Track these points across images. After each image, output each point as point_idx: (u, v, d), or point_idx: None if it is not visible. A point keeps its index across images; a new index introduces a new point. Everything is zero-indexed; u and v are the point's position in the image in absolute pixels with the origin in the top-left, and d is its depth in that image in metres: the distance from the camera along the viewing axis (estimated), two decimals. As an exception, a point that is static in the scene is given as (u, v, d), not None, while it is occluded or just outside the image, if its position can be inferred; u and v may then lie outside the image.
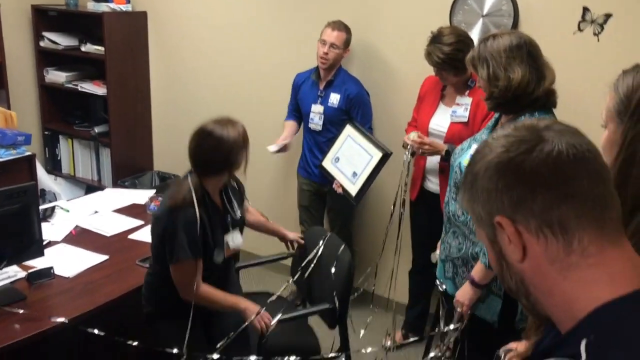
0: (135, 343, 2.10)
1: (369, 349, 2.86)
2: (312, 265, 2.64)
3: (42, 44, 4.39)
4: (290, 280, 2.73)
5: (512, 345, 1.64)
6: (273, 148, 3.35)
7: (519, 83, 1.94)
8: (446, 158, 2.72)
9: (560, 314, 0.83)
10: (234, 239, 2.35)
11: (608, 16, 2.75)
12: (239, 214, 2.40)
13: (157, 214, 2.30)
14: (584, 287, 0.80)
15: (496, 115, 2.20)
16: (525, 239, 0.81)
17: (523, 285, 0.86)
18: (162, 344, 2.15)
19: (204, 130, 2.19)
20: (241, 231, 2.42)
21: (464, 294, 2.15)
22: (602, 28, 2.77)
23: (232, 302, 2.32)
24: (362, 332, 3.13)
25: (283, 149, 3.40)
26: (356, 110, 3.28)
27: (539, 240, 0.81)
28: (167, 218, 2.19)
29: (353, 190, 3.08)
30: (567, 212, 0.79)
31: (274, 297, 2.49)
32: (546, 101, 2.00)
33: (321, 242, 2.67)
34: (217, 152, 2.18)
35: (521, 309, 2.11)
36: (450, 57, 2.68)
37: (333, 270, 2.55)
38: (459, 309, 2.18)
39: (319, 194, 3.52)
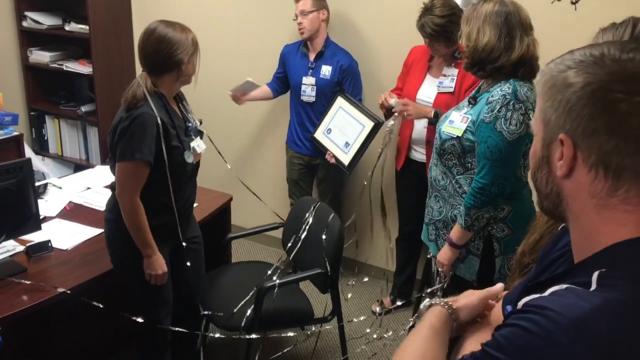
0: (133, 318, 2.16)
1: (362, 318, 2.98)
2: (304, 233, 2.73)
3: (24, 23, 4.36)
4: (290, 256, 2.81)
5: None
6: (230, 92, 3.41)
7: (484, 47, 2.06)
8: (434, 122, 2.77)
9: (581, 240, 0.87)
10: (199, 145, 2.36)
11: (585, -15, 2.83)
12: (197, 120, 2.42)
13: (115, 117, 2.25)
14: (611, 224, 0.82)
15: (480, 85, 2.30)
16: (577, 165, 0.83)
17: (558, 197, 0.88)
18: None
19: (149, 28, 2.24)
20: (201, 138, 2.43)
21: (444, 254, 2.27)
22: (580, -3, 2.86)
23: (148, 242, 2.24)
24: (349, 295, 3.25)
25: (252, 87, 3.42)
26: (348, 82, 3.34)
27: (589, 173, 0.82)
28: (123, 117, 2.16)
29: (346, 159, 3.17)
30: (630, 164, 0.80)
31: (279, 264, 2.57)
32: (512, 71, 2.08)
33: (312, 207, 2.75)
34: (162, 48, 2.18)
35: (499, 268, 2.22)
36: (444, 28, 2.75)
37: (324, 237, 2.65)
38: (440, 269, 2.30)
39: (309, 166, 3.59)
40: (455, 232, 2.22)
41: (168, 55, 2.19)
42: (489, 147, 2.07)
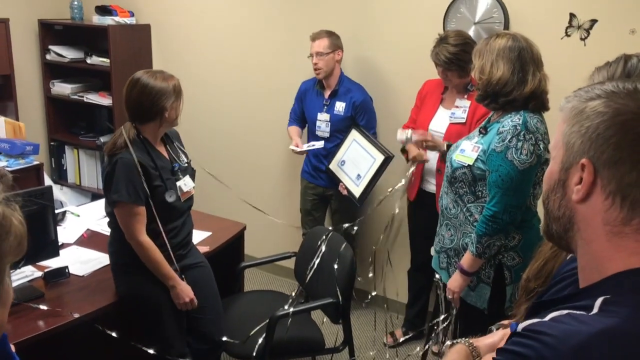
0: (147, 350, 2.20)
1: (371, 353, 2.98)
2: (316, 262, 2.75)
3: (48, 57, 4.51)
4: (303, 284, 2.83)
5: (505, 322, 1.75)
6: (297, 149, 3.44)
7: (498, 80, 2.12)
8: (445, 154, 2.83)
9: (589, 265, 0.86)
10: (187, 183, 2.47)
11: (594, 22, 2.89)
12: (185, 159, 2.53)
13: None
14: (622, 252, 0.82)
15: (490, 116, 2.35)
16: (595, 191, 0.83)
17: (569, 221, 0.88)
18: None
19: (133, 78, 2.35)
20: (192, 178, 2.54)
21: (454, 282, 2.29)
22: (589, 33, 2.91)
23: (167, 274, 2.38)
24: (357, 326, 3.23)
25: (303, 152, 3.49)
26: (361, 116, 3.40)
27: (605, 200, 0.83)
28: (106, 164, 2.33)
29: (357, 192, 3.22)
30: None
31: (293, 295, 2.60)
32: (523, 104, 2.14)
33: (324, 236, 2.78)
34: (144, 97, 2.30)
35: (510, 296, 2.23)
36: (457, 57, 2.81)
37: (336, 266, 2.67)
38: (450, 296, 2.31)
39: (322, 197, 3.64)
40: (466, 260, 2.24)
41: (151, 105, 2.31)
42: (501, 175, 2.11)
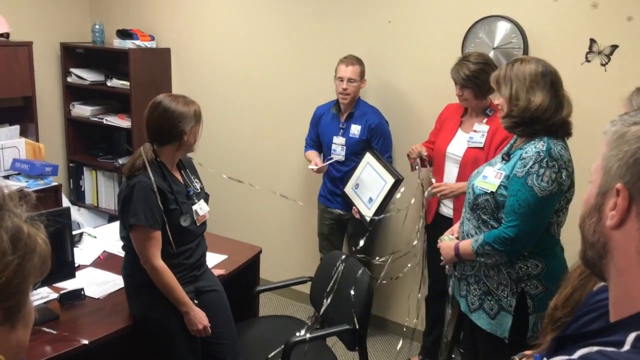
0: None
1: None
2: (334, 287, 2.72)
3: (69, 79, 4.58)
4: (320, 312, 2.80)
5: (527, 352, 1.71)
6: (316, 167, 3.46)
7: (538, 107, 2.09)
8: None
9: (621, 297, 0.83)
10: (202, 207, 2.49)
11: (614, 47, 2.87)
12: (199, 185, 2.56)
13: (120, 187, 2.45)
14: None
15: (511, 141, 2.32)
16: (630, 218, 0.81)
17: (603, 248, 0.86)
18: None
19: (155, 101, 2.39)
20: (206, 202, 2.55)
21: (446, 249, 2.36)
22: (609, 59, 2.89)
23: (181, 300, 2.37)
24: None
25: (322, 167, 3.50)
26: (377, 140, 3.40)
27: None
28: (124, 187, 2.34)
29: (368, 214, 3.19)
30: None
31: (308, 320, 2.57)
32: (559, 129, 2.12)
33: (339, 262, 2.75)
34: (165, 120, 2.33)
35: (532, 326, 2.18)
36: (475, 75, 2.82)
37: (352, 292, 2.63)
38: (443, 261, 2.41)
39: (339, 221, 3.62)
40: (464, 246, 2.27)
41: (171, 127, 2.34)
42: (518, 200, 2.08)
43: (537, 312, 2.18)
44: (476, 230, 2.27)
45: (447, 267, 2.45)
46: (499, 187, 2.16)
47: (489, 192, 2.19)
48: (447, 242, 2.37)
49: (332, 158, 3.48)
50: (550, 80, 2.10)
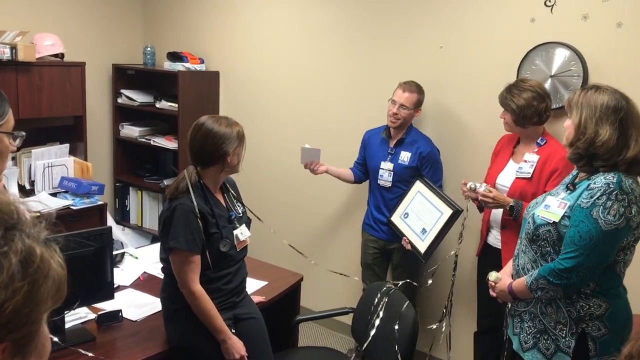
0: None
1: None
2: (377, 321, 2.60)
3: (119, 100, 4.65)
4: (362, 348, 2.68)
5: None
6: (307, 145, 3.42)
7: (602, 142, 1.95)
8: (510, 213, 2.69)
9: None
10: (243, 232, 2.43)
11: (683, 76, 2.70)
12: (241, 210, 2.51)
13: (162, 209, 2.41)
14: None
15: (573, 172, 2.18)
16: None
17: None
18: None
19: (198, 123, 2.35)
20: (248, 226, 2.49)
21: (501, 294, 2.24)
22: (677, 88, 2.71)
23: (219, 327, 2.30)
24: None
25: (315, 154, 3.43)
26: (427, 168, 3.28)
27: None
28: (166, 208, 2.30)
29: (422, 247, 3.06)
30: None
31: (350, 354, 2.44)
32: (631, 168, 1.97)
33: (382, 296, 2.63)
34: (208, 141, 2.29)
35: None
36: (518, 105, 2.75)
37: (396, 327, 2.51)
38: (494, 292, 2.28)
39: (384, 251, 3.49)
40: (518, 284, 2.15)
41: (213, 149, 2.30)
42: (579, 232, 1.94)
43: (599, 356, 2.01)
44: (532, 264, 2.13)
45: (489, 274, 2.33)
46: (562, 217, 2.02)
47: (551, 222, 2.05)
48: (501, 285, 2.22)
49: (305, 147, 3.41)
50: (621, 116, 1.95)
